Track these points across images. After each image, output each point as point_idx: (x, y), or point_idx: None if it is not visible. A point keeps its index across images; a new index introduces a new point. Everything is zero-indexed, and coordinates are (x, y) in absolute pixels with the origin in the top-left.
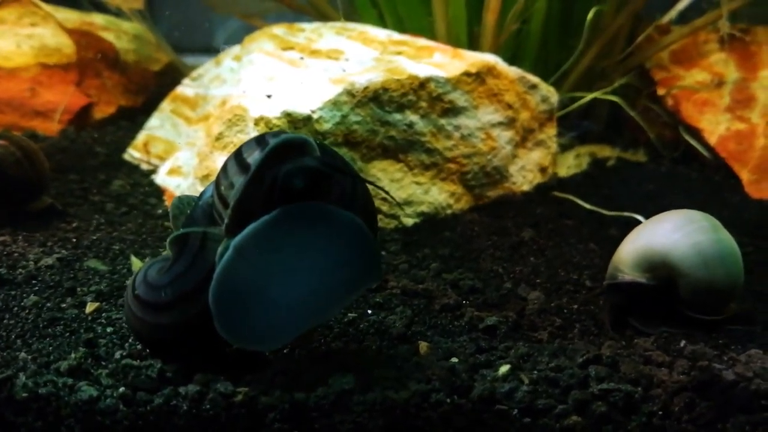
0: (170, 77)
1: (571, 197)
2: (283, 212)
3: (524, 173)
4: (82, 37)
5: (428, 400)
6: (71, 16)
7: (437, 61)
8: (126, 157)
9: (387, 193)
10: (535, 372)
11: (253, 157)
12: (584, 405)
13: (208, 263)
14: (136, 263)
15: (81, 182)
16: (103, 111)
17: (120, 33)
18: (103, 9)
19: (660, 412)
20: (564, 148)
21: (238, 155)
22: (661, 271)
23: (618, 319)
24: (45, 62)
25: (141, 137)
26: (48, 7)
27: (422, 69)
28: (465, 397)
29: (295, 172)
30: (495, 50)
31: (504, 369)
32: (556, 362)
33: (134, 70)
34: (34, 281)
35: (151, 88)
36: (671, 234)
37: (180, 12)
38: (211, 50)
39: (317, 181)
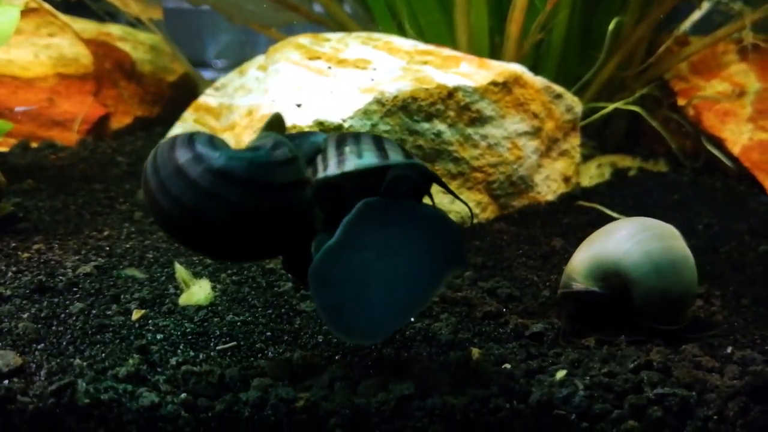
0: (185, 88)
1: (597, 206)
2: (367, 207)
3: (549, 183)
4: (99, 47)
5: (487, 405)
6: (88, 27)
7: (464, 71)
8: None
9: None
10: (588, 378)
11: None
12: (640, 410)
13: None
14: (180, 270)
15: (107, 191)
16: (120, 121)
17: (136, 43)
18: (119, 19)
19: (715, 417)
20: (585, 158)
21: None
22: (614, 279)
23: (574, 327)
24: (63, 72)
25: None
26: (65, 18)
27: (450, 78)
28: (524, 403)
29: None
30: (517, 61)
31: (561, 374)
32: (608, 368)
33: (150, 80)
34: (75, 288)
35: (167, 98)
36: (623, 242)
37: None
38: (203, 64)
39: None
